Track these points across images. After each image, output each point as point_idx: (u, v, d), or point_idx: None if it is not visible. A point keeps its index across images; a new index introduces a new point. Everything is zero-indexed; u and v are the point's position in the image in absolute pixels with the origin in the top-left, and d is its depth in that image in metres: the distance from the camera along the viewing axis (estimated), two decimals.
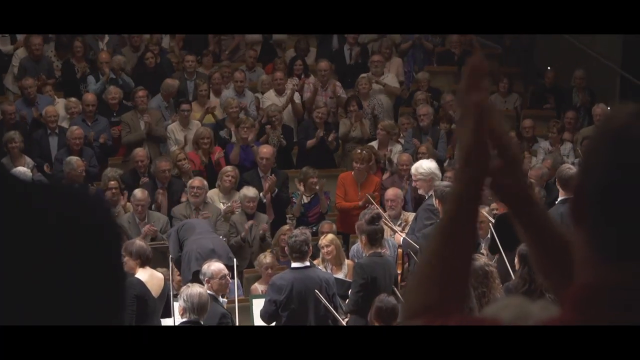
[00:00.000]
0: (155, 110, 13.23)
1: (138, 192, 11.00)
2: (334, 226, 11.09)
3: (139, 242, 8.51)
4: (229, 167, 11.89)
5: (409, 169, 11.79)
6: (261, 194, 11.55)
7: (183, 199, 11.50)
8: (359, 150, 12.02)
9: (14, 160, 11.82)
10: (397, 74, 14.96)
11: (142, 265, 8.30)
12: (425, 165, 9.64)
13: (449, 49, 15.85)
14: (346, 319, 8.45)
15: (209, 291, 7.89)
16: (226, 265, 8.59)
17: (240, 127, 12.59)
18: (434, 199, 9.15)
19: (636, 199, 1.55)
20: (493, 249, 8.67)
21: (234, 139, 12.87)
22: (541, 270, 1.97)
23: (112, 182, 11.33)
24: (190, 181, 11.44)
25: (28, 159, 12.05)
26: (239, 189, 11.57)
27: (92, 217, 1.45)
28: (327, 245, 9.61)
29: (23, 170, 11.06)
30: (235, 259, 9.47)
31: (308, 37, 15.44)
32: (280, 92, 13.91)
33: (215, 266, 8.34)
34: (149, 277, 8.32)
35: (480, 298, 6.75)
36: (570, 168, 9.11)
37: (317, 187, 11.84)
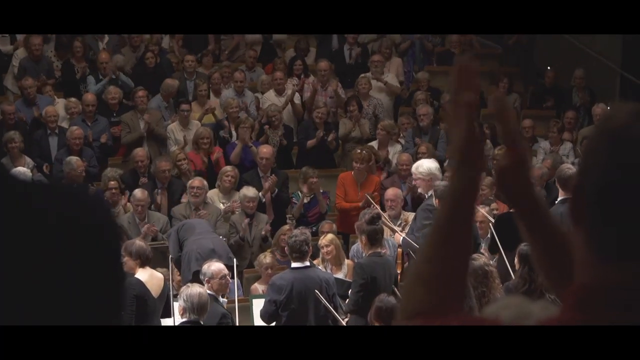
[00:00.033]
0: (155, 110, 13.24)
1: (138, 192, 11.00)
2: (334, 226, 11.08)
3: (138, 242, 8.51)
4: (228, 167, 11.89)
5: (409, 169, 11.80)
6: (260, 194, 11.54)
7: (184, 199, 11.50)
8: (359, 150, 12.02)
9: (13, 161, 11.82)
10: (397, 73, 14.97)
11: (142, 266, 8.29)
12: (425, 165, 9.65)
13: (449, 49, 15.85)
14: (346, 319, 8.45)
15: (209, 291, 7.89)
16: (226, 265, 8.59)
17: (240, 127, 12.59)
18: (433, 198, 9.16)
19: (635, 199, 1.55)
20: (493, 249, 8.68)
21: (234, 138, 12.87)
22: (543, 271, 1.97)
23: (112, 182, 11.33)
24: (190, 181, 11.44)
25: (28, 159, 12.05)
26: (238, 189, 11.57)
27: (92, 217, 1.45)
28: (326, 245, 9.61)
29: (23, 170, 11.06)
30: (235, 259, 9.47)
31: (308, 37, 15.44)
32: (280, 92, 13.91)
33: (215, 266, 8.34)
34: (149, 277, 8.32)
35: (480, 298, 6.75)
36: (569, 168, 9.11)
37: (314, 187, 11.83)
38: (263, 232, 11.13)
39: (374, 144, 12.95)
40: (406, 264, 9.47)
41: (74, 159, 11.67)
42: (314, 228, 11.24)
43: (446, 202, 1.82)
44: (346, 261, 9.76)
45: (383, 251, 8.89)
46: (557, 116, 14.47)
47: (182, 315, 7.43)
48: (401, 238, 9.45)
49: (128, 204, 11.36)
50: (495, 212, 10.30)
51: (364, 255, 8.83)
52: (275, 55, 15.47)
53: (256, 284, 10.04)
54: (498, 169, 1.86)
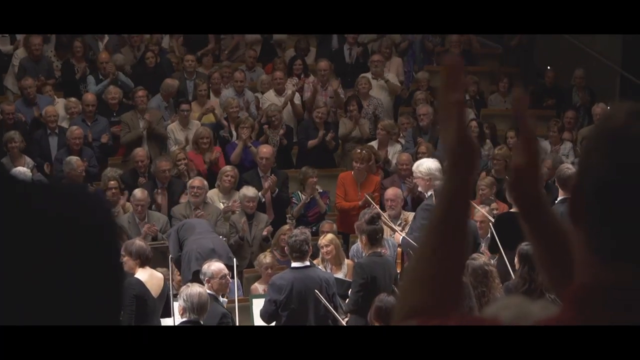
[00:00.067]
0: (156, 110, 13.24)
1: (138, 192, 11.00)
2: (335, 226, 11.09)
3: (138, 242, 8.50)
4: (228, 167, 11.89)
5: (409, 169, 11.81)
6: (260, 194, 11.55)
7: (182, 199, 11.49)
8: (359, 150, 12.02)
9: (13, 160, 11.82)
10: (397, 73, 14.96)
11: (142, 265, 8.29)
12: (426, 165, 9.63)
13: (449, 49, 15.84)
14: (346, 319, 8.45)
15: (209, 291, 7.88)
16: (226, 265, 8.59)
17: (240, 127, 12.59)
18: (433, 198, 9.15)
19: (634, 199, 1.55)
20: (493, 249, 8.68)
21: (234, 138, 12.87)
22: (545, 270, 1.97)
23: (112, 182, 11.33)
24: (190, 181, 11.45)
25: (28, 159, 12.05)
26: (238, 188, 11.57)
27: (92, 217, 1.45)
28: (326, 245, 9.61)
29: (23, 170, 11.05)
30: (235, 259, 9.47)
31: (308, 37, 15.44)
32: (280, 92, 13.90)
33: (215, 266, 8.34)
34: (149, 277, 8.32)
35: (480, 297, 6.75)
36: (569, 168, 9.11)
37: (314, 188, 11.84)
38: (264, 233, 11.12)
39: (374, 143, 12.95)
40: (405, 264, 9.47)
41: (74, 158, 11.67)
42: (314, 228, 11.24)
43: (440, 202, 1.82)
44: (346, 261, 9.77)
45: (383, 251, 8.89)
46: (557, 116, 14.47)
47: (182, 315, 7.43)
48: (401, 238, 9.45)
49: (127, 203, 11.36)
50: (495, 211, 10.30)
51: (363, 255, 8.83)
52: (275, 55, 15.47)
53: (256, 284, 10.05)
54: (515, 167, 1.86)
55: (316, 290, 8.19)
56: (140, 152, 12.18)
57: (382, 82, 14.34)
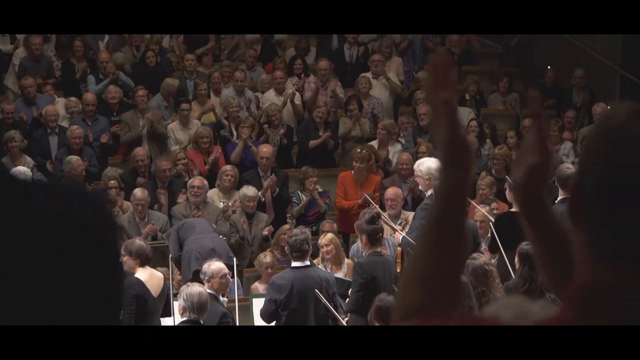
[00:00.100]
0: (156, 109, 13.24)
1: (138, 192, 11.00)
2: (335, 225, 11.09)
3: (138, 242, 8.50)
4: (228, 167, 11.89)
5: (409, 168, 11.81)
6: (260, 193, 11.55)
7: (180, 199, 11.49)
8: (359, 150, 12.02)
9: (14, 160, 11.82)
10: (397, 73, 14.97)
11: (142, 265, 8.29)
12: (426, 165, 9.63)
13: (449, 49, 15.83)
14: (346, 319, 8.45)
15: (209, 290, 7.89)
16: (226, 265, 8.59)
17: (240, 126, 12.59)
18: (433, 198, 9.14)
19: (634, 199, 1.55)
20: (493, 248, 8.67)
21: (234, 138, 12.87)
22: (545, 270, 1.97)
23: (112, 182, 11.33)
24: (190, 181, 11.45)
25: (28, 159, 12.06)
26: (238, 188, 11.57)
27: (92, 216, 1.45)
28: (326, 245, 9.61)
29: (23, 169, 11.06)
30: (235, 258, 9.47)
31: (308, 37, 15.44)
32: (280, 92, 13.90)
33: (215, 265, 8.34)
34: (149, 276, 8.32)
35: (480, 297, 6.74)
36: (568, 167, 9.11)
37: (311, 188, 11.85)
38: (265, 232, 11.12)
39: (374, 143, 12.95)
40: (404, 265, 9.47)
41: (74, 158, 11.67)
42: (314, 227, 11.25)
43: (436, 201, 1.82)
44: (346, 260, 9.77)
45: (383, 251, 8.89)
46: (557, 116, 14.47)
47: (182, 315, 7.43)
48: (401, 237, 9.45)
49: (127, 203, 11.36)
50: (495, 211, 10.30)
51: (363, 254, 8.83)
52: (276, 55, 15.47)
53: (256, 283, 10.04)
54: (531, 167, 1.85)
55: (316, 290, 8.19)
56: (141, 151, 12.18)
57: (383, 81, 14.34)
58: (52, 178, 11.68)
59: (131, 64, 14.45)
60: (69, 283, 1.39)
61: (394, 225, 9.98)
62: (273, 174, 11.92)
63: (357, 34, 15.00)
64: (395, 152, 12.89)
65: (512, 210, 8.78)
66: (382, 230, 8.79)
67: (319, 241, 9.76)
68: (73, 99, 13.20)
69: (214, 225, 10.67)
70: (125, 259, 8.16)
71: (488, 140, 13.33)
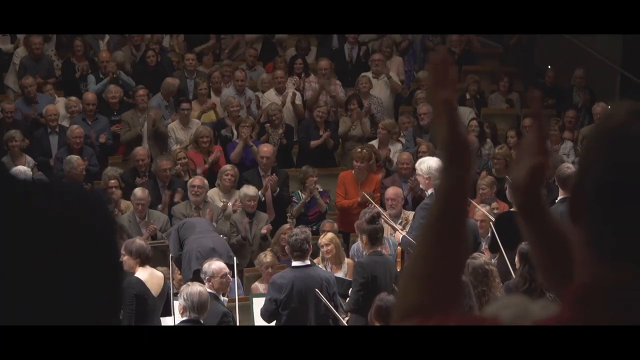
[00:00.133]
0: (157, 109, 13.24)
1: (138, 191, 11.00)
2: (335, 225, 11.10)
3: (138, 241, 8.50)
4: (228, 166, 11.89)
5: (410, 168, 11.82)
6: (260, 193, 11.55)
7: (176, 198, 11.48)
8: (359, 149, 12.02)
9: (14, 159, 11.83)
10: (398, 72, 14.97)
11: (142, 264, 8.29)
12: (426, 164, 9.62)
13: (449, 48, 15.83)
14: (346, 318, 8.45)
15: (209, 290, 7.89)
16: (226, 264, 8.60)
17: (241, 126, 12.59)
18: (433, 197, 9.14)
19: (634, 198, 1.55)
20: (493, 248, 8.67)
21: (235, 137, 12.87)
22: (543, 270, 1.97)
23: (112, 181, 11.33)
24: (190, 180, 11.45)
25: (29, 158, 12.06)
26: (239, 187, 11.57)
27: (92, 216, 1.45)
28: (326, 244, 9.61)
29: (23, 169, 11.06)
30: (235, 258, 9.48)
31: (309, 36, 15.44)
32: (280, 91, 13.90)
33: (216, 265, 8.34)
34: (149, 276, 8.32)
35: (480, 297, 6.74)
36: (568, 167, 9.11)
37: (311, 187, 11.85)
38: (263, 231, 11.12)
39: (375, 142, 12.95)
40: (405, 264, 9.47)
41: (74, 157, 11.67)
42: (314, 227, 11.25)
43: (436, 201, 1.82)
44: (346, 260, 9.77)
45: (384, 250, 8.89)
46: (557, 115, 14.47)
47: (182, 314, 7.43)
48: (401, 236, 9.45)
49: (126, 202, 11.35)
50: (495, 211, 10.30)
51: (364, 254, 8.83)
52: (276, 54, 15.47)
53: (257, 283, 10.04)
54: (532, 168, 1.84)
55: (317, 290, 8.19)
56: (141, 151, 12.19)
57: (383, 80, 14.34)
58: (53, 177, 11.67)
59: (131, 64, 14.46)
60: (69, 283, 1.39)
61: (394, 225, 9.98)
62: (274, 174, 11.92)
63: (357, 34, 15.01)
64: (396, 151, 12.89)
65: (512, 209, 8.77)
66: (382, 229, 8.79)
67: (319, 241, 9.76)
68: (73, 98, 13.20)
69: (214, 225, 10.67)
70: (126, 258, 8.16)
71: (488, 140, 13.33)
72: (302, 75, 14.33)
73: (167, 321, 8.55)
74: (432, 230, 1.79)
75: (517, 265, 7.07)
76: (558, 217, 1.95)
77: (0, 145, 12.14)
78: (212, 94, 14.00)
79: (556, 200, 8.93)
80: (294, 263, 8.42)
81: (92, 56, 14.30)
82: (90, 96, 13.02)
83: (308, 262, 8.45)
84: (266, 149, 12.09)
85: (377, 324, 6.95)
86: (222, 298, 8.37)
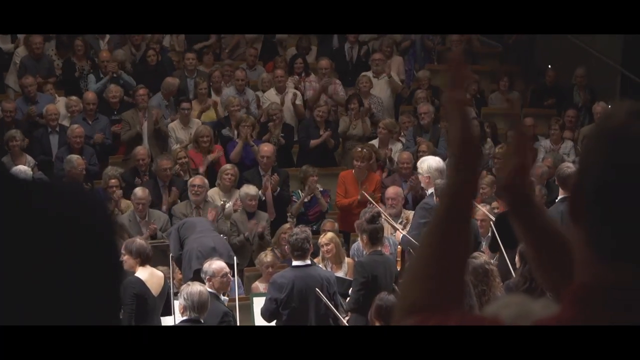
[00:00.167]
0: (157, 108, 13.24)
1: (139, 191, 11.00)
2: (336, 225, 11.10)
3: (139, 241, 8.50)
4: (228, 165, 11.89)
5: (410, 167, 11.83)
6: (260, 192, 11.55)
7: (172, 197, 11.46)
8: (360, 149, 12.03)
9: (14, 159, 11.83)
10: (398, 72, 14.97)
11: (142, 264, 8.29)
12: (426, 163, 9.64)
13: (450, 48, 15.84)
14: (347, 318, 8.45)
15: (210, 289, 7.89)
16: (227, 264, 8.60)
17: (241, 125, 12.59)
18: (434, 197, 9.15)
19: (634, 198, 1.55)
20: (493, 247, 8.67)
21: (236, 137, 12.87)
22: (539, 271, 1.97)
23: (113, 181, 11.34)
24: (190, 179, 11.45)
25: (29, 157, 12.07)
26: (239, 187, 11.57)
27: (92, 216, 1.45)
28: (326, 244, 9.61)
29: (23, 168, 11.06)
30: (235, 257, 9.48)
31: (309, 36, 15.44)
32: (281, 91, 13.90)
33: (216, 264, 8.35)
34: (149, 275, 8.32)
35: (481, 296, 6.74)
36: (568, 166, 9.12)
37: (312, 186, 11.85)
38: (259, 229, 11.10)
39: (375, 142, 12.96)
40: (407, 262, 9.47)
41: (74, 157, 11.68)
42: (314, 226, 11.25)
43: (443, 201, 1.81)
44: (346, 259, 9.77)
45: (384, 250, 8.89)
46: (557, 115, 14.47)
47: (182, 314, 7.44)
48: (401, 236, 9.45)
49: (127, 202, 11.36)
50: (496, 210, 10.29)
51: (364, 253, 8.83)
52: (276, 54, 15.47)
53: (257, 283, 10.04)
54: (514, 168, 1.84)
55: (317, 289, 8.19)
56: (141, 150, 12.19)
57: (384, 79, 14.34)
58: (53, 177, 11.67)
59: (132, 63, 14.46)
60: (69, 283, 1.39)
61: (395, 224, 9.99)
62: (274, 173, 11.92)
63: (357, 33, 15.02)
64: (396, 151, 12.89)
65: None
66: (382, 229, 8.79)
67: (319, 240, 9.76)
68: (74, 98, 13.21)
69: (215, 224, 10.68)
70: (126, 258, 8.16)
71: (489, 140, 13.33)
72: (303, 74, 14.33)
73: (167, 321, 8.55)
74: (437, 229, 1.79)
75: (518, 265, 7.07)
76: (553, 217, 1.95)
77: (1, 144, 12.14)
78: (212, 93, 14.00)
79: (556, 200, 8.94)
80: (295, 262, 8.42)
81: (93, 56, 14.30)
82: (90, 96, 13.02)
83: (308, 261, 8.45)
84: (266, 149, 12.09)
85: (377, 323, 6.95)
86: (222, 297, 8.37)
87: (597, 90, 14.78)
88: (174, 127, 13.03)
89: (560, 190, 8.99)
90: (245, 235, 11.04)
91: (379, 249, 8.63)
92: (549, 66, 15.50)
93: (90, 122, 12.81)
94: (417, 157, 11.80)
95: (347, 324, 8.16)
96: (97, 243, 1.43)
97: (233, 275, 8.83)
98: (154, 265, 8.60)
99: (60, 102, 13.28)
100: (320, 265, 9.23)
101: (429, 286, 1.75)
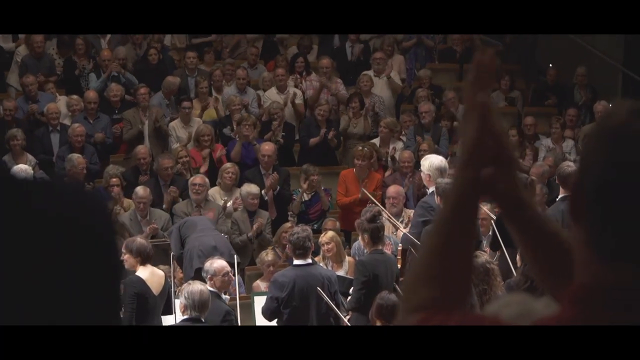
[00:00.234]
0: (158, 107, 13.25)
1: (140, 190, 11.00)
2: (338, 224, 11.10)
3: (139, 240, 8.50)
4: (228, 164, 11.90)
5: (411, 166, 11.84)
6: (263, 192, 11.55)
7: (169, 197, 11.46)
8: (360, 147, 12.04)
9: (15, 158, 11.83)
10: (399, 71, 14.96)
11: (143, 263, 8.29)
12: (428, 162, 9.64)
13: (451, 47, 15.85)
14: (348, 317, 8.45)
15: (211, 288, 7.89)
16: (228, 262, 8.60)
17: (242, 124, 12.59)
18: (435, 196, 9.15)
19: (634, 198, 1.55)
20: (495, 246, 8.67)
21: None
22: (536, 272, 1.96)
23: (114, 179, 11.34)
24: (191, 178, 11.46)
25: (30, 156, 12.07)
26: (240, 186, 11.57)
27: (91, 217, 1.45)
28: (327, 243, 9.60)
29: (24, 167, 11.06)
30: (236, 256, 9.48)
31: (310, 35, 15.43)
32: (282, 89, 13.90)
33: (217, 263, 8.35)
34: (150, 274, 8.32)
35: (482, 295, 6.75)
36: (569, 165, 9.11)
37: (315, 185, 11.85)
38: (255, 226, 11.07)
39: (376, 141, 12.96)
40: (410, 260, 9.46)
41: (75, 156, 11.68)
42: (315, 225, 11.25)
43: (449, 200, 1.80)
44: (347, 258, 9.77)
45: (386, 248, 8.89)
46: (559, 113, 14.47)
47: (183, 313, 7.44)
48: (402, 234, 9.46)
49: (128, 201, 11.36)
50: (497, 209, 10.29)
51: (365, 252, 8.83)
52: (277, 53, 15.47)
53: (258, 281, 10.04)
54: (484, 173, 1.81)
55: (318, 288, 8.19)
56: (142, 149, 12.20)
57: (384, 80, 14.34)
58: (54, 176, 11.67)
59: (133, 62, 14.46)
60: (69, 283, 1.39)
61: (396, 223, 9.99)
62: (275, 172, 11.92)
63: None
64: (398, 150, 12.90)
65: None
66: (383, 228, 8.79)
67: (320, 239, 9.76)
68: (75, 96, 13.21)
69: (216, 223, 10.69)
70: (126, 257, 8.16)
71: None
72: (304, 73, 14.33)
73: (168, 320, 8.55)
74: (443, 229, 1.77)
75: (519, 264, 7.07)
76: (549, 216, 1.93)
77: (2, 143, 12.14)
78: (213, 92, 14.00)
79: (557, 199, 8.94)
80: (296, 261, 8.42)
81: (94, 55, 14.30)
82: (91, 94, 13.03)
83: (310, 260, 8.45)
84: (267, 148, 12.09)
85: (378, 322, 6.96)
86: (223, 296, 8.37)
87: (598, 89, 14.78)
88: (175, 126, 13.03)
89: (561, 189, 8.98)
90: (248, 235, 11.03)
91: (380, 247, 8.63)
92: (550, 65, 15.50)
93: (91, 121, 12.81)
94: (417, 155, 11.81)
95: (348, 323, 8.16)
96: (97, 243, 1.43)
97: (234, 274, 8.83)
98: (154, 264, 8.60)
99: (61, 101, 13.28)
100: (321, 264, 9.23)
101: (432, 287, 1.74)
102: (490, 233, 9.22)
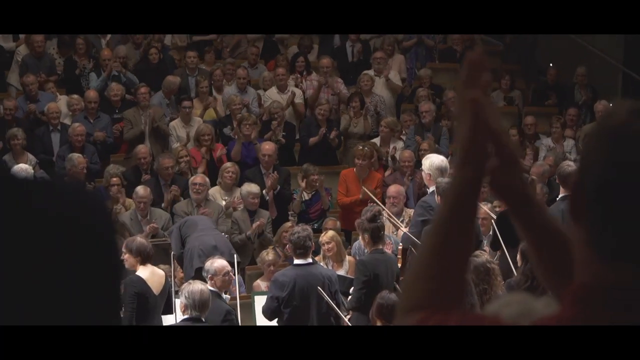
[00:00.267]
0: (158, 107, 13.25)
1: (140, 189, 11.00)
2: (338, 223, 11.10)
3: (139, 240, 8.50)
4: (228, 164, 11.91)
5: (411, 166, 11.84)
6: (264, 192, 11.55)
7: (169, 196, 11.46)
8: (361, 147, 12.04)
9: (16, 157, 11.84)
10: (399, 70, 14.96)
11: (143, 263, 8.28)
12: (428, 162, 9.64)
13: (451, 46, 15.85)
14: (348, 316, 8.45)
15: (211, 288, 7.89)
16: (228, 262, 8.60)
17: (243, 124, 12.59)
18: (435, 195, 9.15)
19: (634, 198, 1.55)
20: (495, 246, 8.67)
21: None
22: (540, 270, 1.96)
23: (114, 179, 11.34)
24: (192, 178, 11.46)
25: (30, 156, 12.07)
26: (240, 185, 11.57)
27: (92, 216, 1.45)
28: (327, 242, 9.60)
29: (25, 167, 11.06)
30: (237, 256, 9.48)
31: (310, 35, 15.43)
32: (282, 89, 13.90)
33: (218, 263, 8.35)
34: (150, 274, 8.32)
35: (482, 295, 6.74)
36: (569, 165, 9.12)
37: (317, 184, 11.85)
38: (254, 226, 11.07)
39: (377, 140, 12.96)
40: (409, 259, 9.47)
41: (75, 155, 11.68)
42: (316, 225, 11.25)
43: (447, 200, 1.80)
44: (347, 258, 9.77)
45: (386, 248, 8.89)
46: (559, 113, 14.47)
47: (183, 312, 7.44)
48: (402, 234, 9.46)
49: (128, 200, 11.36)
50: (497, 209, 10.29)
51: (365, 252, 8.83)
52: (278, 52, 15.47)
53: (258, 281, 10.04)
54: (488, 169, 1.81)
55: (319, 288, 8.19)
56: (143, 149, 12.20)
57: (384, 80, 14.35)
58: (54, 176, 11.67)
59: (134, 61, 14.46)
60: (69, 283, 1.39)
61: (397, 222, 9.99)
62: (275, 172, 11.92)
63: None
64: (398, 150, 12.90)
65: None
66: (383, 227, 8.79)
67: (320, 239, 9.76)
68: (75, 96, 13.21)
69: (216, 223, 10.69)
70: (127, 256, 8.16)
71: None
72: (304, 73, 14.33)
73: (168, 319, 8.55)
74: (441, 228, 1.77)
75: (519, 263, 7.07)
76: (553, 215, 1.93)
77: (2, 142, 12.15)
78: (213, 92, 14.00)
79: (557, 198, 8.94)
80: (296, 261, 8.42)
81: (94, 54, 14.30)
82: (92, 94, 13.03)
83: (310, 260, 8.45)
84: (268, 147, 12.09)
85: (378, 322, 6.96)
86: (224, 296, 8.37)
87: (598, 89, 14.78)
88: (175, 126, 13.03)
89: (561, 189, 8.98)
90: (247, 234, 11.04)
91: (380, 247, 8.63)
92: (551, 64, 15.49)
93: (91, 121, 12.81)
94: (418, 155, 11.81)
95: (349, 323, 8.16)
96: (98, 243, 1.43)
97: (235, 274, 8.83)
98: (155, 264, 8.60)
99: (62, 101, 13.28)
100: (321, 264, 9.23)
101: (431, 286, 1.74)
102: (490, 232, 9.22)
